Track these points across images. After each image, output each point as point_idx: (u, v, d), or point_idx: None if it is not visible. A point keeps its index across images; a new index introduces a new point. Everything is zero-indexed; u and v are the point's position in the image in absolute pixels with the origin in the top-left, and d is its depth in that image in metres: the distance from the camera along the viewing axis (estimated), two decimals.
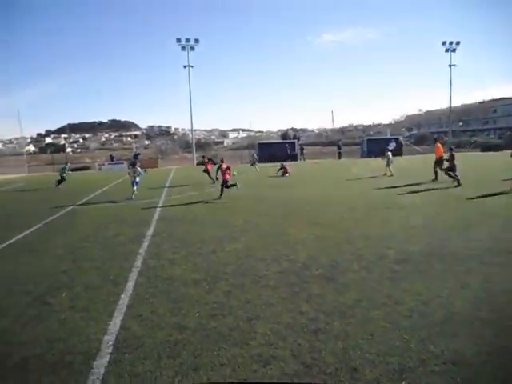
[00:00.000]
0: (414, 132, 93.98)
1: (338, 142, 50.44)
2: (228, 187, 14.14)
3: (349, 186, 16.60)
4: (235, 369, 3.41)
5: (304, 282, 5.33)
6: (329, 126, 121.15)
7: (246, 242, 7.66)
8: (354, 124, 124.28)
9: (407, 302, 4.57)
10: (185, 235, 8.57)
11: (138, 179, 15.93)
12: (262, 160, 32.37)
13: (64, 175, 21.62)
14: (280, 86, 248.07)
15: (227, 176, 14.08)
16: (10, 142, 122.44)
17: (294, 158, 40.07)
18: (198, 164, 37.11)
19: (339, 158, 41.55)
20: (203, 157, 23.10)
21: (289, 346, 3.74)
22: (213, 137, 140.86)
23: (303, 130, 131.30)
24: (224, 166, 14.21)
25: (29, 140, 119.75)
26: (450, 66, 51.93)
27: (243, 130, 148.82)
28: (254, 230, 8.82)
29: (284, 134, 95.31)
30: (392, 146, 22.67)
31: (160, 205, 13.29)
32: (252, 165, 29.32)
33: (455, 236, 7.44)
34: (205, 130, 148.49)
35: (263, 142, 49.99)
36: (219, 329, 4.12)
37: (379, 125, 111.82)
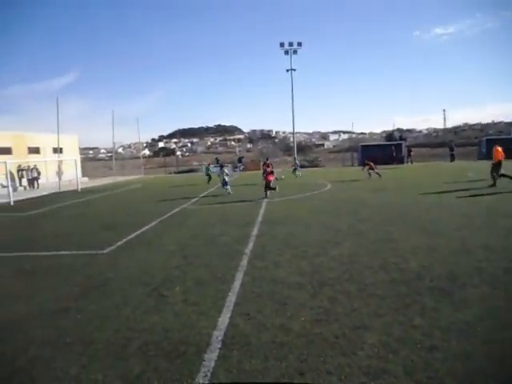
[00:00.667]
0: None
1: (450, 142, 45.96)
2: (270, 189, 15.51)
3: (462, 191, 15.14)
4: (342, 379, 3.30)
5: (416, 294, 4.97)
6: (440, 126, 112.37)
7: (351, 248, 7.43)
8: (470, 123, 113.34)
9: None
10: (288, 237, 8.63)
11: (227, 179, 17.76)
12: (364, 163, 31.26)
13: (209, 173, 26.07)
14: (384, 84, 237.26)
15: (270, 178, 15.49)
16: (129, 146, 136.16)
17: (400, 160, 37.97)
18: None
19: (452, 160, 37.97)
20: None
21: (401, 361, 3.50)
22: (313, 139, 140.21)
23: (410, 131, 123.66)
24: (268, 169, 15.57)
25: (144, 145, 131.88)
26: None
27: (344, 132, 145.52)
28: (358, 235, 8.52)
29: (389, 136, 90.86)
30: None
31: (263, 207, 13.60)
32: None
33: None
34: (305, 133, 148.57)
35: (366, 144, 48.08)
36: (325, 335, 4.04)
37: (500, 123, 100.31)
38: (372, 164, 21.95)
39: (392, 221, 9.86)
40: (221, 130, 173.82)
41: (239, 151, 75.96)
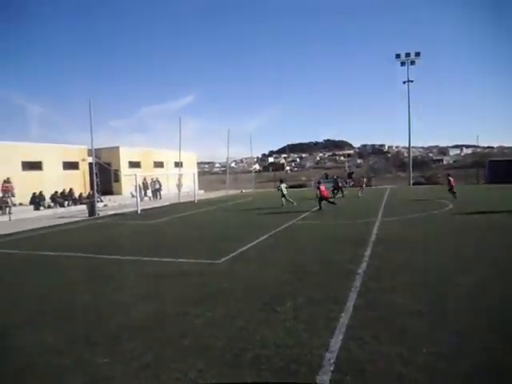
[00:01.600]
0: None
1: None
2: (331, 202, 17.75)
3: None
4: None
5: None
6: None
7: (482, 277, 6.64)
8: None
9: None
10: (405, 260, 8.07)
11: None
12: (492, 181, 28.05)
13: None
14: None
15: (325, 193, 17.29)
16: (241, 161, 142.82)
17: None
18: (414, 184, 35.00)
19: None
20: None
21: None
22: (430, 154, 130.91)
23: None
24: (322, 187, 17.35)
25: (255, 159, 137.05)
26: None
27: (467, 146, 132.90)
28: (489, 262, 7.60)
29: None
30: None
31: (376, 225, 13.01)
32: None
33: None
34: (421, 147, 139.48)
35: (496, 159, 42.99)
36: (449, 373, 3.63)
37: None
38: (451, 180, 20.12)
39: None
40: (330, 145, 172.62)
41: (348, 166, 74.32)
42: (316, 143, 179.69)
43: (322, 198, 17.42)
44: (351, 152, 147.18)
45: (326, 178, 47.92)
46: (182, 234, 13.56)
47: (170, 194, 33.52)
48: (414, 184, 35.82)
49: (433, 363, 3.82)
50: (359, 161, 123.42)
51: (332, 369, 3.80)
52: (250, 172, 54.94)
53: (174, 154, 34.22)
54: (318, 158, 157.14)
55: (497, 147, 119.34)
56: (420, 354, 4.02)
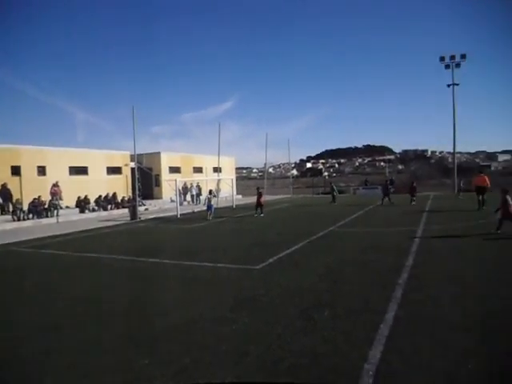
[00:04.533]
0: None
1: None
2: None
3: None
4: None
5: None
6: None
7: None
8: None
9: None
10: (451, 272, 7.78)
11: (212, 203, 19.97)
12: None
13: (334, 193, 28.73)
14: None
15: None
16: (279, 166, 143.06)
17: None
18: (458, 191, 33.66)
19: None
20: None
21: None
22: (477, 160, 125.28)
23: None
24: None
25: (293, 165, 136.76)
26: None
27: None
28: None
29: None
30: None
31: (419, 235, 12.60)
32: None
33: None
34: (467, 153, 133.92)
35: None
36: None
37: None
38: None
39: None
40: (369, 151, 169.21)
41: (389, 172, 72.55)
42: (355, 148, 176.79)
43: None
44: (392, 157, 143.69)
45: (366, 185, 47.13)
46: (220, 238, 13.73)
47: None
48: (458, 191, 34.35)
49: (478, 380, 3.67)
50: (400, 166, 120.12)
51: (371, 381, 3.72)
52: (288, 177, 54.79)
53: (212, 159, 34.77)
54: (357, 164, 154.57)
55: None
56: (465, 369, 3.86)
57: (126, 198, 27.75)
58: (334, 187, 29.68)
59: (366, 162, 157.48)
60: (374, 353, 4.29)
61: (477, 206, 19.29)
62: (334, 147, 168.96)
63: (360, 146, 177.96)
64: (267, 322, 5.35)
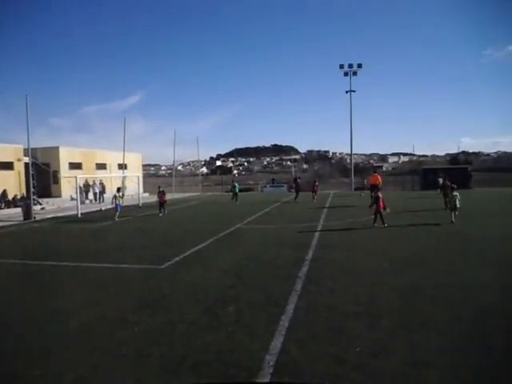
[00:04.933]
0: None
1: None
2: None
3: None
4: None
5: (482, 332, 4.61)
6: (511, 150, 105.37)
7: (412, 278, 7.08)
8: None
9: None
10: (345, 263, 8.42)
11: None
12: (427, 187, 30.01)
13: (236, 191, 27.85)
14: (448, 104, 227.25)
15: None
16: (188, 164, 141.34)
17: (466, 185, 35.83)
18: (355, 189, 36.48)
19: None
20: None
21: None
22: (371, 161, 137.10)
23: (476, 154, 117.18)
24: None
25: (202, 163, 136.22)
26: None
27: (405, 154, 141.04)
28: (420, 265, 8.11)
29: (453, 159, 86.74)
30: None
31: (318, 229, 13.41)
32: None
33: None
34: (363, 154, 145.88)
35: (429, 167, 46.10)
36: (382, 369, 3.84)
37: None
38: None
39: (459, 253, 9.32)
40: (277, 150, 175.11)
41: (295, 171, 75.99)
42: (264, 147, 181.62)
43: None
44: (297, 157, 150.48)
45: (273, 183, 48.77)
46: (124, 238, 13.15)
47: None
48: (355, 189, 37.33)
49: (366, 362, 4.01)
50: (305, 166, 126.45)
51: (271, 371, 3.88)
52: (197, 175, 54.44)
53: (117, 155, 33.10)
54: (266, 163, 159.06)
55: (430, 155, 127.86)
56: (354, 353, 4.21)
57: (19, 197, 25.17)
58: (236, 185, 29.22)
59: (273, 161, 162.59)
60: (274, 344, 4.48)
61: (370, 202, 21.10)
62: (243, 146, 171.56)
63: (268, 145, 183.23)
64: (171, 322, 5.28)
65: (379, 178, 22.90)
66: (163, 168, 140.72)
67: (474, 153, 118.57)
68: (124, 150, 29.44)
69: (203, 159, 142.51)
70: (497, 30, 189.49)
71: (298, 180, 29.70)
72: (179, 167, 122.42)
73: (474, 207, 19.38)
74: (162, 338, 4.75)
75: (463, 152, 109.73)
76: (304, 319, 5.22)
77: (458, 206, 13.91)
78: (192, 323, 5.22)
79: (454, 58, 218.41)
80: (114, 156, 35.67)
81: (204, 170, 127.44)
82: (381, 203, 13.36)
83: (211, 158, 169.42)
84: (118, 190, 20.01)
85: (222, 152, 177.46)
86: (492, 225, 13.52)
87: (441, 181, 28.27)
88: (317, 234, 12.37)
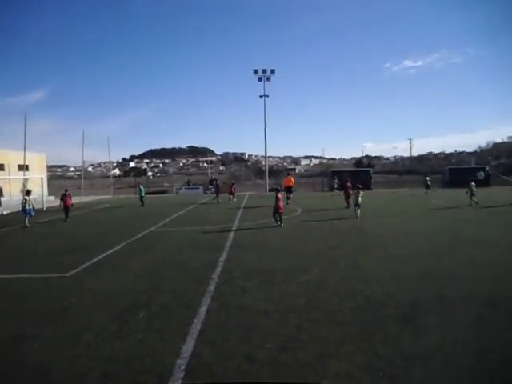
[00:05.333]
0: (503, 161, 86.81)
1: (425, 171, 43.60)
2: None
3: (428, 218, 15.69)
4: None
5: (380, 322, 5.06)
6: (406, 154, 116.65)
7: (319, 274, 7.50)
8: (434, 152, 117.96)
9: (497, 351, 4.12)
10: (257, 263, 8.63)
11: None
12: (334, 188, 31.99)
13: (142, 195, 26.57)
14: (354, 113, 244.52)
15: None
16: (99, 165, 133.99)
17: (367, 186, 38.89)
18: (270, 190, 37.59)
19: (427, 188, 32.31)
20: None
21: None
22: (285, 163, 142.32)
23: (378, 158, 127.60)
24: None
25: (115, 164, 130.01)
26: None
27: (315, 157, 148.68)
28: (326, 261, 8.63)
29: (358, 162, 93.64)
30: (480, 175, 22.03)
31: (233, 231, 13.57)
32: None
33: None
34: (278, 157, 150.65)
35: (336, 169, 49.37)
36: (290, 363, 4.02)
37: (462, 153, 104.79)
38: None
39: (361, 248, 10.08)
40: (193, 152, 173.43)
41: (211, 173, 75.97)
42: (180, 149, 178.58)
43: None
44: (214, 159, 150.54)
45: (189, 185, 48.27)
46: (25, 246, 12.05)
47: (13, 200, 29.39)
48: (270, 190, 38.46)
49: (275, 357, 4.17)
50: (222, 168, 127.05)
51: (182, 375, 3.85)
52: (109, 177, 51.84)
53: (18, 155, 30.17)
54: (182, 164, 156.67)
55: (338, 159, 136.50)
56: (265, 349, 4.35)
57: None
58: (142, 188, 27.94)
59: (190, 162, 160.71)
60: (186, 347, 4.45)
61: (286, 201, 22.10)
62: (158, 147, 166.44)
63: (184, 146, 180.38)
64: (76, 332, 4.98)
65: (292, 179, 24.18)
66: (71, 169, 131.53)
67: (376, 157, 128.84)
68: (25, 150, 26.95)
69: (115, 160, 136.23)
70: (394, 47, 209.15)
71: (216, 182, 29.90)
72: (89, 168, 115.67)
73: (374, 206, 21.12)
74: (66, 351, 4.46)
75: (366, 156, 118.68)
76: (216, 320, 5.26)
77: (359, 202, 15.76)
78: (99, 332, 4.97)
79: (359, 70, 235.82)
80: (13, 156, 32.40)
81: (116, 171, 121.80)
82: (280, 204, 14.20)
83: (124, 159, 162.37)
84: (28, 193, 17.78)
85: (136, 153, 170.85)
86: (390, 222, 14.86)
87: (336, 182, 31.22)
88: (231, 235, 12.52)
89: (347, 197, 20.09)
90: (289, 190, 23.64)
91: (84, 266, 8.69)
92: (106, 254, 9.93)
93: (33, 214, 16.98)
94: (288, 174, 26.32)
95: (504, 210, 18.06)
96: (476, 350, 4.17)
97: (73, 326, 5.22)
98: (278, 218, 14.34)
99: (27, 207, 16.69)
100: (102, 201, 32.95)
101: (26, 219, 16.56)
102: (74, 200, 26.47)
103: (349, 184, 20.38)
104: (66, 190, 19.34)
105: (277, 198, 14.35)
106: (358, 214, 15.62)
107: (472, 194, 20.05)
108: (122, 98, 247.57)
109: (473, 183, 20.39)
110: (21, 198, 27.53)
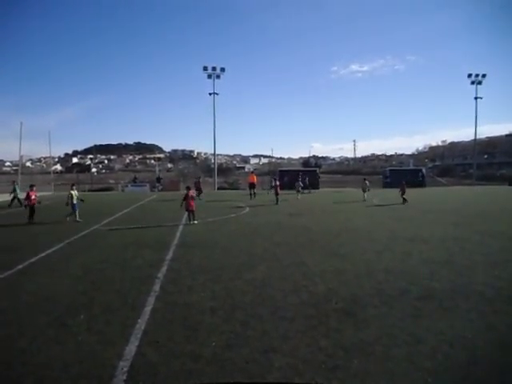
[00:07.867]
0: (438, 163, 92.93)
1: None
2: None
3: (368, 216, 16.41)
4: None
5: (323, 316, 5.22)
6: (350, 155, 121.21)
7: (265, 271, 7.60)
8: (376, 153, 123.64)
9: (430, 341, 4.40)
10: (204, 261, 8.57)
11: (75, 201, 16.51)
12: (283, 187, 32.55)
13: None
14: (302, 113, 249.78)
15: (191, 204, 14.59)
16: (39, 160, 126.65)
17: (315, 186, 39.94)
18: (218, 189, 37.46)
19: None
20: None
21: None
22: (234, 162, 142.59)
23: (324, 158, 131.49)
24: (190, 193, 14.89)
25: (56, 159, 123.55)
26: (475, 98, 51.79)
27: (265, 157, 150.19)
28: (272, 259, 8.75)
29: (306, 162, 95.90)
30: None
31: (180, 229, 13.39)
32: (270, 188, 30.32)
33: (481, 273, 7.21)
34: (227, 155, 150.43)
35: (284, 169, 50.28)
36: (235, 360, 4.05)
37: (402, 155, 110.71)
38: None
39: (306, 245, 10.32)
40: (140, 148, 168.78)
41: (159, 170, 74.33)
42: (126, 145, 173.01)
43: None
44: (162, 156, 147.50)
45: (135, 182, 46.93)
46: None
47: None
48: (218, 189, 38.37)
49: (220, 354, 4.17)
50: (170, 165, 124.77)
51: (124, 378, 3.75)
52: (49, 173, 49.18)
53: None
54: (128, 161, 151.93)
55: (287, 158, 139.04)
56: (210, 347, 4.34)
57: None
58: (16, 187, 25.49)
59: (136, 159, 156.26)
60: (129, 349, 4.33)
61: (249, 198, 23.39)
62: (103, 142, 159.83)
63: (131, 142, 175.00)
64: (8, 338, 4.67)
65: (255, 177, 26.33)
66: (8, 164, 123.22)
67: (322, 157, 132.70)
68: None
69: (57, 156, 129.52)
70: (342, 51, 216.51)
71: (199, 179, 31.10)
72: (28, 163, 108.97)
73: (319, 205, 21.76)
74: None
75: (314, 156, 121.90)
76: (161, 320, 5.17)
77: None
78: (35, 337, 4.70)
79: (308, 72, 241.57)
80: None
81: (58, 167, 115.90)
82: (191, 202, 14.52)
83: (66, 154, 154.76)
84: None
85: (80, 148, 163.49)
86: (333, 220, 15.38)
87: (273, 182, 32.54)
88: (178, 234, 12.35)
89: (277, 193, 23.61)
90: (252, 186, 25.69)
91: (19, 267, 8.18)
92: (43, 255, 9.41)
93: None
94: (252, 173, 28.82)
95: (435, 208, 19.32)
96: (411, 341, 4.43)
97: (3, 331, 4.89)
98: (192, 217, 14.54)
99: None
100: (42, 198, 31.16)
101: None
102: (8, 197, 24.83)
103: (278, 183, 24.45)
104: (32, 186, 17.61)
105: (187, 195, 14.54)
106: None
107: (403, 193, 21.99)
108: (64, 91, 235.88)
109: (404, 182, 22.66)
110: None
